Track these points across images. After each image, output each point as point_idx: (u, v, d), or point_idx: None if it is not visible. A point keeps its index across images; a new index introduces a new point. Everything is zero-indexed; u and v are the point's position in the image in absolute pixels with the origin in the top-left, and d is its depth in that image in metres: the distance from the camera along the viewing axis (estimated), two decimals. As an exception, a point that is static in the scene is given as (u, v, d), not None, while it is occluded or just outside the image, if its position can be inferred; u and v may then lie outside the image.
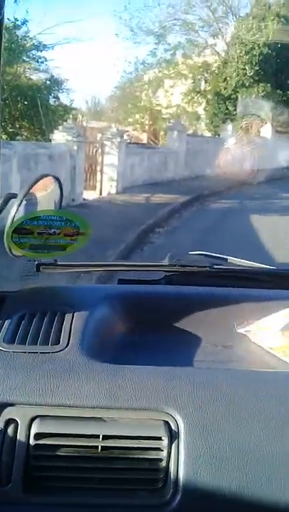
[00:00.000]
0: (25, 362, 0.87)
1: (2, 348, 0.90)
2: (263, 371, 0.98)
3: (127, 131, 16.83)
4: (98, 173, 10.81)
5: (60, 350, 0.91)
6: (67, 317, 1.01)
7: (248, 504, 0.77)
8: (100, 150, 10.75)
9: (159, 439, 0.81)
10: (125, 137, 11.76)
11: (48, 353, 0.90)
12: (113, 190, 10.78)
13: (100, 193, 10.80)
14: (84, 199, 9.64)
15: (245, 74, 16.60)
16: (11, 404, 0.81)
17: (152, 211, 8.59)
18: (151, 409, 0.82)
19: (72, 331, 0.96)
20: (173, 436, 0.81)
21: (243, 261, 1.30)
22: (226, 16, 18.35)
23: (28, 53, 13.15)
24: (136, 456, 0.81)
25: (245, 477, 0.77)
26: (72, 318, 1.00)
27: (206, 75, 18.62)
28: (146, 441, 0.81)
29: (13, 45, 11.69)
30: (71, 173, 8.86)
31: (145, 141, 18.95)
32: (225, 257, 1.31)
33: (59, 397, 0.82)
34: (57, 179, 1.30)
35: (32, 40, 13.12)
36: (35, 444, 0.79)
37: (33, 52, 13.30)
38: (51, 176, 1.27)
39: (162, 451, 0.81)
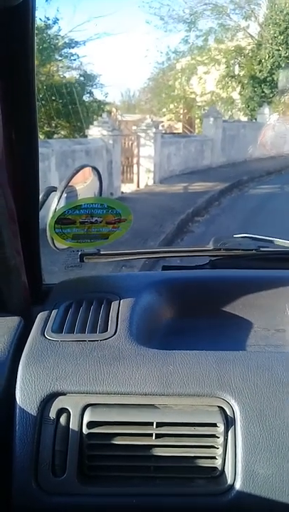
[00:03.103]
0: (74, 350, 0.86)
1: (50, 337, 0.89)
2: None
3: (162, 121, 16.70)
4: (135, 166, 10.79)
5: (109, 338, 0.89)
6: (114, 305, 0.99)
7: None
8: (135, 142, 10.72)
9: (215, 425, 0.78)
10: (160, 128, 11.66)
11: (96, 341, 0.89)
12: (150, 182, 10.74)
13: (138, 186, 10.78)
14: (122, 192, 9.67)
15: (281, 55, 16.13)
16: (62, 394, 0.81)
17: (191, 200, 8.50)
18: (205, 394, 0.80)
19: (119, 318, 0.95)
20: (229, 422, 0.78)
21: None
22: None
23: (61, 52, 13.32)
24: (191, 444, 0.79)
25: None
26: (119, 306, 0.99)
27: (239, 58, 18.21)
28: (202, 427, 0.79)
29: (45, 45, 11.83)
30: (108, 168, 8.89)
31: (180, 131, 18.78)
32: (271, 238, 1.25)
33: (110, 384, 0.81)
34: (95, 169, 1.29)
35: (64, 39, 13.28)
36: (89, 433, 0.78)
37: (65, 50, 13.47)
38: (90, 167, 1.27)
39: (218, 438, 0.78)
